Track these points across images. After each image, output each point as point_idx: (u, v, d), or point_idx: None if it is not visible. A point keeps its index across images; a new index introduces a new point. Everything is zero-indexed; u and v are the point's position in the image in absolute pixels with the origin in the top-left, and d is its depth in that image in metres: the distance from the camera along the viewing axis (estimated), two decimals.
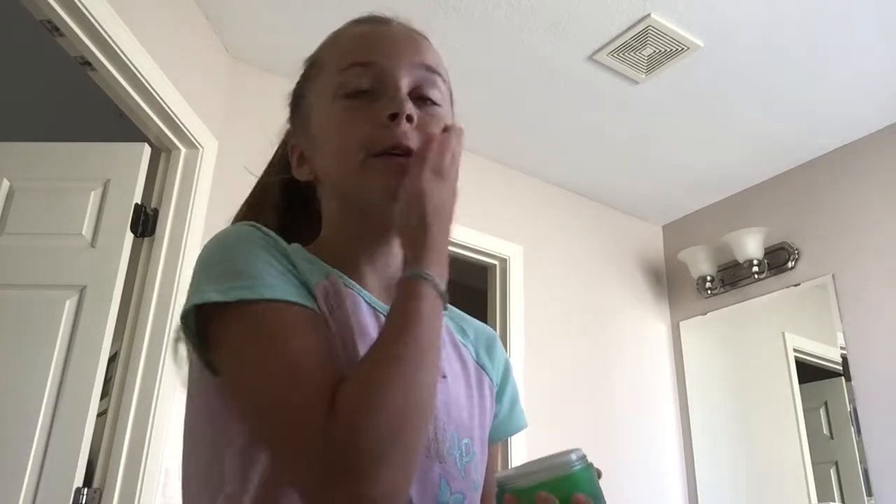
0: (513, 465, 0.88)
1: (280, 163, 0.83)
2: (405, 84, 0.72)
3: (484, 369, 0.81)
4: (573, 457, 0.59)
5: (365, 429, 0.54)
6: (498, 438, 0.84)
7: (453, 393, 0.73)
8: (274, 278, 0.62)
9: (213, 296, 0.60)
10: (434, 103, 0.74)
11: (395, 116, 0.69)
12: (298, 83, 0.81)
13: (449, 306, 0.85)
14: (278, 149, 0.85)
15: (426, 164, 0.67)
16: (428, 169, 0.66)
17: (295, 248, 0.71)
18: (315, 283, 0.67)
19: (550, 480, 0.57)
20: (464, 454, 0.70)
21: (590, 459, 0.61)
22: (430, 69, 0.75)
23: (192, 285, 0.64)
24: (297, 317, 0.61)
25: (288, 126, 0.84)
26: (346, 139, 0.70)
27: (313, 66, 0.79)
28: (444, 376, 0.72)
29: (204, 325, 0.62)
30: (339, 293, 0.68)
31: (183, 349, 0.70)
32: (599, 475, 0.63)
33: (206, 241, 0.69)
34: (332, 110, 0.73)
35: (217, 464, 0.63)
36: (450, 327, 0.81)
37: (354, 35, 0.77)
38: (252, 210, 0.81)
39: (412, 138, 0.69)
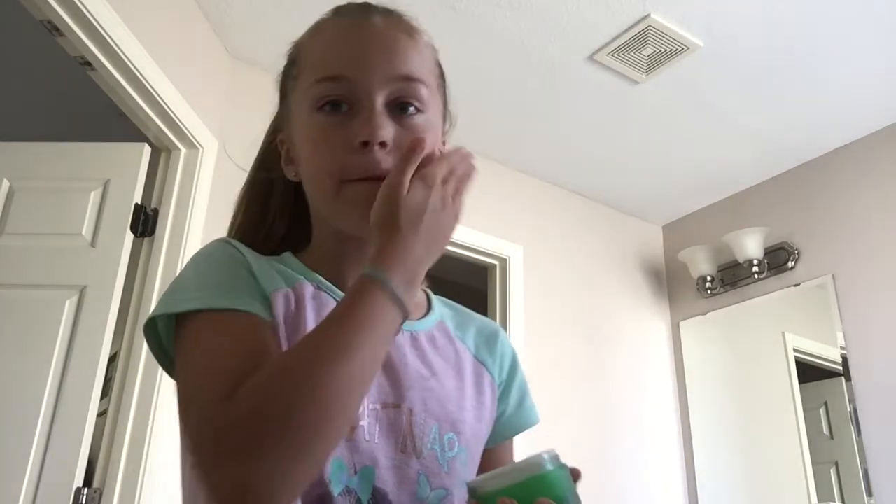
0: None
1: (273, 155, 0.80)
2: (380, 99, 0.68)
3: (483, 365, 0.80)
4: (544, 457, 0.58)
5: (246, 415, 0.54)
6: (507, 436, 0.83)
7: (437, 387, 0.72)
8: (226, 290, 0.64)
9: (162, 308, 0.65)
10: (416, 111, 0.70)
11: (366, 145, 0.66)
12: (281, 74, 0.79)
13: (450, 302, 0.85)
14: (267, 137, 0.82)
15: (408, 166, 0.63)
16: (410, 171, 0.63)
17: (284, 258, 0.74)
18: (273, 291, 0.67)
19: (515, 484, 0.56)
20: (447, 449, 0.70)
21: (563, 460, 0.60)
22: (409, 78, 0.70)
23: (163, 295, 0.68)
24: (235, 322, 0.62)
25: (278, 114, 0.81)
26: (319, 162, 0.69)
27: (294, 64, 0.76)
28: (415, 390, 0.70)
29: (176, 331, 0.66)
30: (301, 300, 0.69)
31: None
32: (577, 477, 0.61)
33: (204, 242, 0.71)
34: (309, 124, 0.70)
35: None
36: (446, 322, 0.81)
37: (329, 38, 0.73)
38: (253, 214, 0.79)
39: (387, 162, 0.67)
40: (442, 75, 0.78)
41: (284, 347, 0.64)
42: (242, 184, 0.83)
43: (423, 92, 0.71)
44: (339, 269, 0.74)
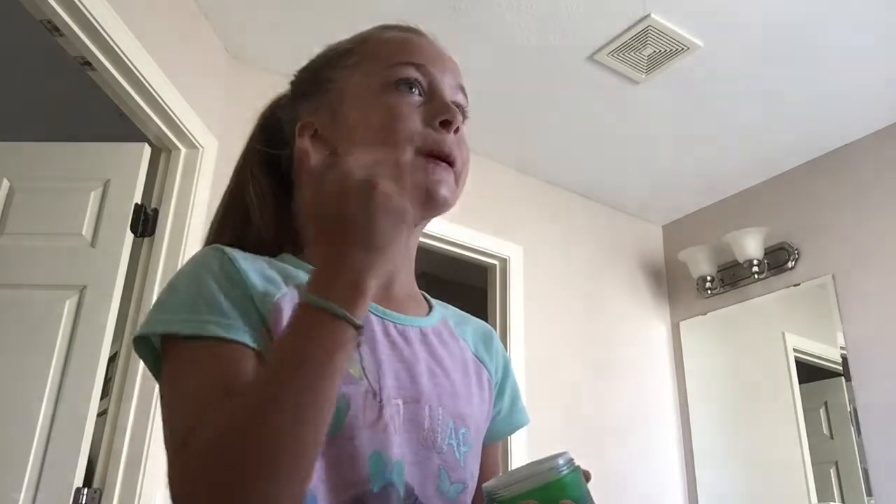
0: (512, 466, 0.89)
1: (265, 137, 0.81)
2: (449, 96, 0.75)
3: (482, 363, 0.82)
4: (560, 461, 0.58)
5: (185, 468, 0.54)
6: (500, 436, 0.84)
7: (449, 384, 0.73)
8: (214, 312, 0.62)
9: (159, 327, 0.63)
10: (463, 121, 0.77)
11: (447, 124, 0.72)
12: (318, 68, 0.80)
13: (446, 304, 0.86)
14: (258, 134, 0.83)
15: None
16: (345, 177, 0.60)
17: (283, 258, 0.72)
18: (277, 298, 0.65)
19: (537, 488, 0.57)
20: (461, 444, 0.71)
21: (577, 462, 0.61)
22: (464, 92, 0.79)
23: (151, 309, 0.66)
24: (216, 354, 0.60)
25: (285, 101, 0.82)
26: (396, 128, 0.71)
27: (349, 54, 0.78)
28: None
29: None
30: None
31: None
32: (588, 478, 0.62)
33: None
34: (380, 100, 0.73)
35: None
36: (448, 321, 0.82)
37: (399, 38, 0.78)
38: (234, 212, 0.78)
39: (455, 151, 0.72)
40: None
41: None
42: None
43: (467, 104, 0.80)
44: None
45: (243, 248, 0.71)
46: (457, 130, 0.73)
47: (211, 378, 0.59)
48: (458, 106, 0.77)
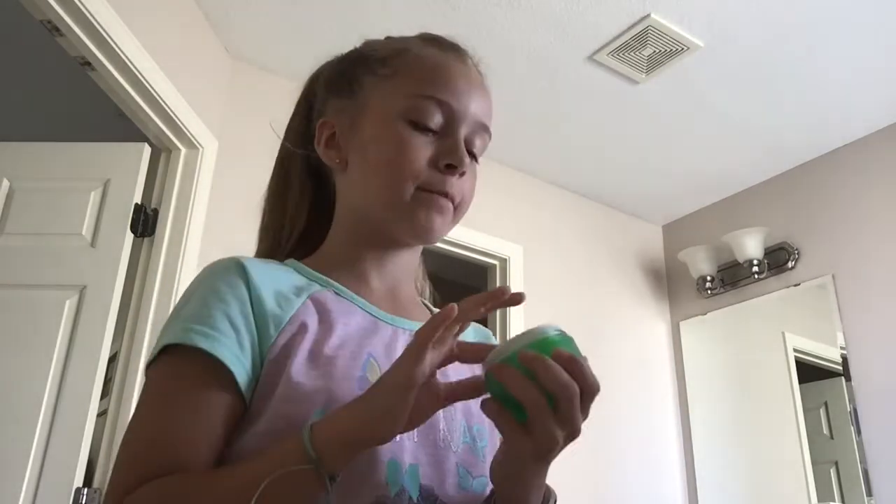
0: None
1: (302, 131, 0.83)
2: (463, 135, 0.75)
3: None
4: (551, 326, 0.61)
5: None
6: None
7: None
8: (212, 329, 0.63)
9: (165, 339, 0.65)
10: (475, 159, 0.77)
11: (451, 168, 0.73)
12: (353, 65, 0.81)
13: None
14: (298, 113, 0.85)
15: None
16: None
17: (290, 265, 0.74)
18: (293, 314, 0.67)
19: (532, 343, 0.58)
20: (477, 439, 0.73)
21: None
22: (486, 129, 0.78)
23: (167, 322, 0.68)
24: (197, 380, 0.62)
25: (321, 85, 0.83)
26: (402, 164, 0.72)
27: (384, 64, 0.78)
28: None
29: None
30: (324, 307, 0.70)
31: None
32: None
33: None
34: (395, 128, 0.74)
35: None
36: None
37: (434, 61, 0.77)
38: (280, 196, 0.82)
39: (456, 189, 0.74)
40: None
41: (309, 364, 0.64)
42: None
43: (487, 142, 0.79)
44: (357, 273, 0.76)
45: (279, 237, 0.79)
46: (462, 174, 0.73)
47: (172, 422, 0.61)
48: (470, 143, 0.76)
